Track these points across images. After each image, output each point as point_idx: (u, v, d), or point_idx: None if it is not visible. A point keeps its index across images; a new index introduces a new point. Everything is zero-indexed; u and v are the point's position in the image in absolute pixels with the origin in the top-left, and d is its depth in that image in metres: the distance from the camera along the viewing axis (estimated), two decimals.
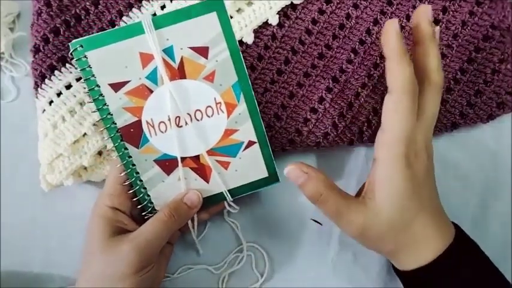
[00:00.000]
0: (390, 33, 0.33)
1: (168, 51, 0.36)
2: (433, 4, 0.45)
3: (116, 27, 0.42)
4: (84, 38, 0.36)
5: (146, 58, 0.36)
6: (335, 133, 0.43)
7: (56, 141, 0.41)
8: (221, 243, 0.44)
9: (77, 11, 0.42)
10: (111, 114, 0.37)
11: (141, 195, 0.39)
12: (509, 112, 0.46)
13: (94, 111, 0.38)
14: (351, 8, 0.44)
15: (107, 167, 0.42)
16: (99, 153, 0.42)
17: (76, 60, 0.36)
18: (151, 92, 0.37)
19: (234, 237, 0.44)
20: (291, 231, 0.45)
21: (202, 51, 0.37)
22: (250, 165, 0.39)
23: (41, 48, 0.41)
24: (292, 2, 0.44)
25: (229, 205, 0.41)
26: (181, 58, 0.37)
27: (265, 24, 0.44)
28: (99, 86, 0.36)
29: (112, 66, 0.36)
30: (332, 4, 0.44)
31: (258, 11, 0.43)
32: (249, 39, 0.43)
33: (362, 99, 0.44)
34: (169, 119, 0.37)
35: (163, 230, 0.37)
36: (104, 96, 0.37)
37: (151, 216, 0.39)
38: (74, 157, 0.41)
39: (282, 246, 0.44)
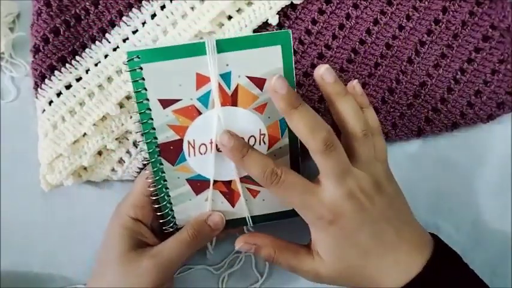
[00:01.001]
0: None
1: (225, 77, 0.36)
2: (433, 4, 0.45)
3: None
4: (143, 49, 0.35)
5: (202, 80, 0.36)
6: (335, 132, 0.43)
7: (56, 141, 0.41)
8: (221, 243, 0.44)
9: (77, 11, 0.42)
10: (154, 129, 0.36)
11: (166, 210, 0.39)
12: (509, 112, 0.46)
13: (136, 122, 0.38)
14: (350, 8, 0.45)
15: (106, 167, 0.42)
16: (99, 153, 0.42)
17: (129, 70, 0.35)
18: (200, 113, 0.36)
19: (234, 238, 0.44)
20: (291, 231, 0.45)
21: (259, 82, 0.36)
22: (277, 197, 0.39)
23: (41, 48, 0.41)
24: (292, 2, 0.44)
25: (248, 229, 0.41)
26: (237, 86, 0.36)
27: (265, 24, 0.44)
28: (148, 100, 0.36)
29: (166, 82, 0.35)
30: (332, 4, 0.44)
31: (258, 11, 0.43)
32: None
33: None
34: (211, 142, 0.37)
35: (186, 250, 0.37)
36: (150, 111, 0.36)
37: (171, 231, 0.39)
38: (73, 157, 0.41)
39: None
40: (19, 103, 0.44)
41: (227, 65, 0.35)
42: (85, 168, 0.42)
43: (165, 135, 0.37)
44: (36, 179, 0.41)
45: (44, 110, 0.41)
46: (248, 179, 0.38)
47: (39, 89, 0.42)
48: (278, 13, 0.44)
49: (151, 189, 0.38)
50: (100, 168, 0.42)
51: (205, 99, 0.36)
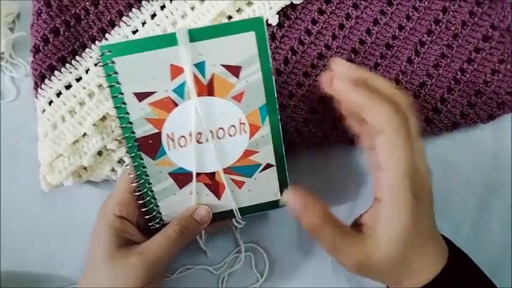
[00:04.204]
0: (345, 87, 0.33)
1: (200, 66, 0.35)
2: (433, 4, 0.45)
3: (149, 35, 0.41)
4: (114, 43, 0.34)
5: (176, 71, 0.35)
6: (335, 133, 0.43)
7: (56, 141, 0.41)
8: (221, 243, 0.44)
9: (77, 11, 0.42)
10: (131, 123, 0.36)
11: (151, 205, 0.38)
12: (509, 112, 0.46)
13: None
14: (350, 8, 0.45)
15: (106, 167, 0.42)
16: (99, 153, 0.42)
17: (102, 65, 0.35)
18: (176, 105, 0.36)
19: (234, 237, 0.44)
20: (290, 232, 0.45)
21: (235, 70, 0.36)
22: (264, 187, 0.39)
23: (41, 48, 0.41)
24: (292, 2, 0.44)
25: (237, 221, 0.41)
26: (212, 75, 0.36)
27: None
28: (123, 94, 0.35)
29: (139, 75, 0.35)
30: (332, 4, 0.44)
31: (257, 11, 0.43)
32: None
33: None
34: (190, 135, 0.36)
35: (173, 246, 0.37)
36: (126, 105, 0.35)
37: (157, 227, 0.38)
38: (74, 157, 0.41)
39: (282, 246, 0.44)
40: (19, 103, 0.44)
41: (200, 54, 0.35)
42: (85, 168, 0.42)
43: (142, 129, 0.36)
44: (36, 179, 0.41)
45: (44, 110, 0.41)
46: (232, 170, 0.38)
47: (39, 89, 0.42)
48: (278, 13, 0.44)
49: (134, 185, 0.37)
50: (100, 168, 0.42)
51: (180, 91, 0.36)
